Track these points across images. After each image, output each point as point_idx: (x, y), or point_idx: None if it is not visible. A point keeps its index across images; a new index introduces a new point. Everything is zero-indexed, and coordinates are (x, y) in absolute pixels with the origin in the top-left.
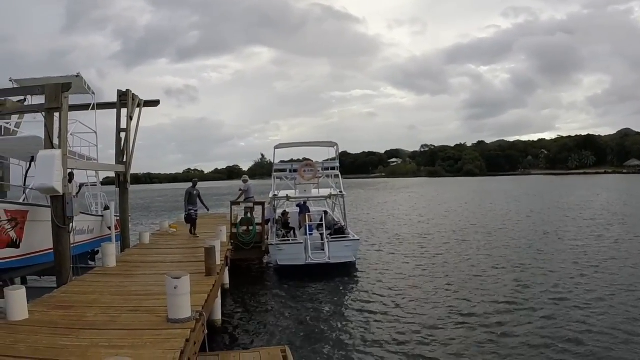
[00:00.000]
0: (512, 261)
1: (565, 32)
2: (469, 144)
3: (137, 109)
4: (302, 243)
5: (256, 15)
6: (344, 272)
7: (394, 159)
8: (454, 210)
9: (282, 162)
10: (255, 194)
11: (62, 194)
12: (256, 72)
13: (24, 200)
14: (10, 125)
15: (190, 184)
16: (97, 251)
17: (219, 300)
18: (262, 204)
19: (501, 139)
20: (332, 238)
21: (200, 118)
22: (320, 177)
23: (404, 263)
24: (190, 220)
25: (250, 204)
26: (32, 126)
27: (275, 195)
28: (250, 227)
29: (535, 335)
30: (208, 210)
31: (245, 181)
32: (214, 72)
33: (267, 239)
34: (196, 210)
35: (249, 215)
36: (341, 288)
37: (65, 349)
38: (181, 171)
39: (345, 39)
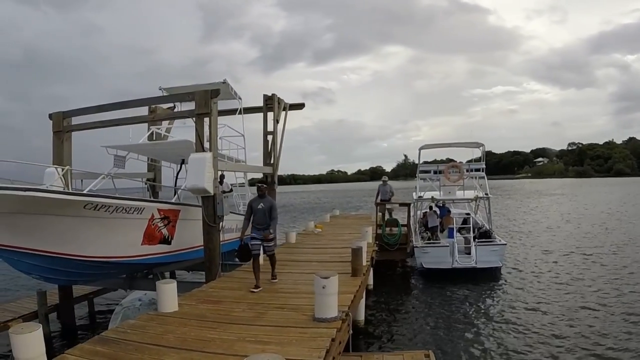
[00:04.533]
0: None
1: None
2: (618, 141)
3: (283, 112)
4: (448, 246)
5: (383, 14)
6: (490, 277)
7: (540, 159)
8: (611, 219)
9: (425, 162)
10: (388, 193)
11: (212, 194)
12: (395, 71)
13: (175, 200)
14: (161, 130)
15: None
16: None
17: (362, 301)
18: (408, 205)
19: None
20: (478, 242)
21: (339, 119)
22: (466, 178)
23: (552, 273)
24: (246, 255)
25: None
26: (181, 131)
27: (420, 196)
28: (395, 228)
29: None
30: (273, 234)
31: (384, 182)
32: (353, 73)
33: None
34: (266, 242)
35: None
36: (487, 294)
37: (212, 341)
38: (324, 172)
39: (482, 33)
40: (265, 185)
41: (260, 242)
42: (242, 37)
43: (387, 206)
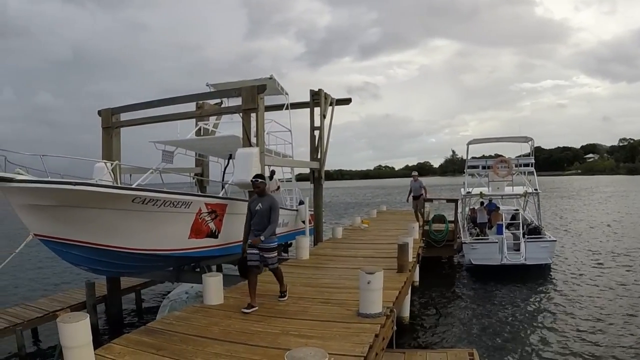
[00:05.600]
0: None
1: None
2: None
3: (330, 108)
4: (496, 242)
5: (427, 7)
6: (539, 274)
7: (590, 155)
8: None
9: (473, 158)
10: (420, 189)
11: None
12: (442, 65)
13: (223, 195)
14: (209, 125)
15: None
16: (290, 243)
17: (408, 297)
18: (456, 201)
19: None
20: (528, 238)
21: (386, 114)
22: (515, 173)
23: (603, 273)
24: (244, 269)
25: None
26: (228, 126)
27: (468, 192)
28: (443, 225)
29: None
30: (262, 239)
31: (414, 177)
32: (400, 67)
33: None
34: (266, 252)
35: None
36: (536, 291)
37: (256, 334)
38: (372, 167)
39: (529, 25)
40: (261, 180)
41: (257, 252)
42: (287, 32)
43: (427, 203)
